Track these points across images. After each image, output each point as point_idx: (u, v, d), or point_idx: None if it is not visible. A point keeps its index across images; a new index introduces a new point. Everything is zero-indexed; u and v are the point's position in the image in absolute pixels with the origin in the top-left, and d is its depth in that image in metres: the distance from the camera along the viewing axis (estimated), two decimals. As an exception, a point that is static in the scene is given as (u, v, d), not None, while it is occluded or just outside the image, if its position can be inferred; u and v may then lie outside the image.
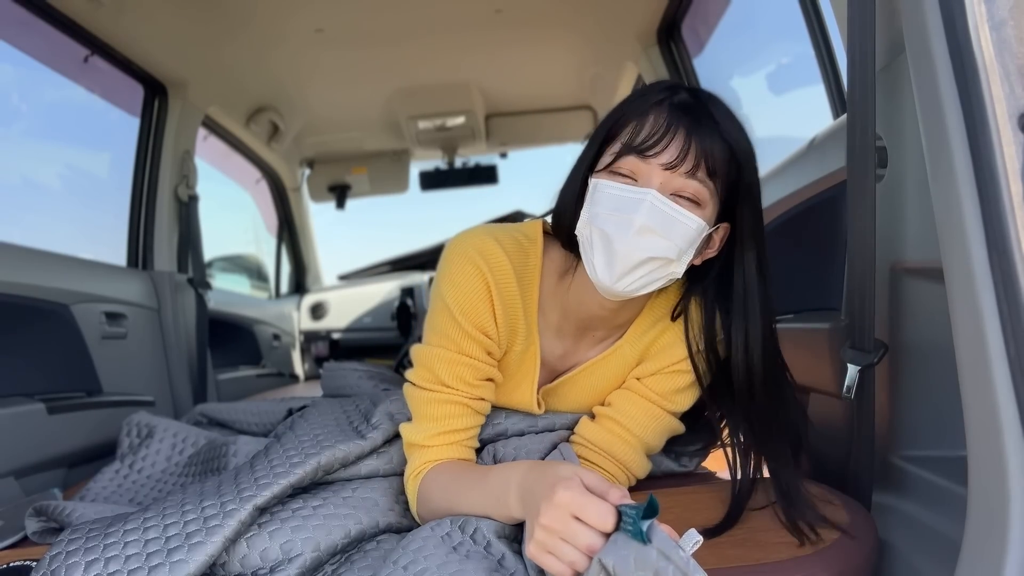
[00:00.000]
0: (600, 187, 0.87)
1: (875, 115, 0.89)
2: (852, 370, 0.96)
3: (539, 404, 1.06)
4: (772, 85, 2.48)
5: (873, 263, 0.92)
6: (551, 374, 1.08)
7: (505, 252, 0.98)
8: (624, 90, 2.97)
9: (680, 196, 0.85)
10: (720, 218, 0.91)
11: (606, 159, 0.89)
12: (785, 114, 2.39)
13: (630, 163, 0.86)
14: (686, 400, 1.03)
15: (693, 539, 0.63)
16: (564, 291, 1.00)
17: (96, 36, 1.95)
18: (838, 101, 1.55)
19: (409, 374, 1.01)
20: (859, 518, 0.92)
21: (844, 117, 0.94)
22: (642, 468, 1.04)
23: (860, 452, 1.00)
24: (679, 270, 0.88)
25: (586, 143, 0.95)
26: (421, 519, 0.93)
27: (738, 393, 0.95)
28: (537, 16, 2.43)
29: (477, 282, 0.96)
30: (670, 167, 0.84)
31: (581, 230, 0.90)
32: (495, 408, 1.06)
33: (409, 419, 1.00)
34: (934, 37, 0.69)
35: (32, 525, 1.06)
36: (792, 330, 1.40)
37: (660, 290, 0.99)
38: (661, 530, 0.63)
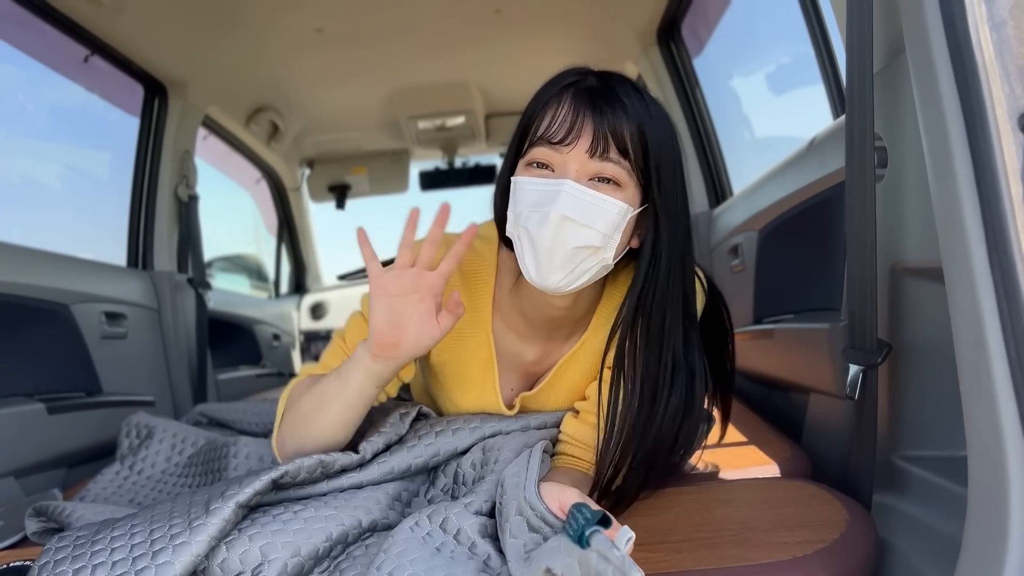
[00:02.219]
0: (519, 185, 0.88)
1: (873, 115, 0.89)
2: (854, 370, 0.96)
3: (513, 406, 1.07)
4: (772, 85, 2.48)
5: (874, 263, 0.92)
6: (530, 379, 1.08)
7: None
8: (624, 90, 2.97)
9: (600, 180, 0.86)
10: (646, 199, 0.90)
11: (525, 156, 0.89)
12: (785, 114, 2.39)
13: (544, 154, 0.87)
14: None
15: (627, 536, 0.65)
16: (519, 295, 1.01)
17: (96, 36, 1.95)
18: (838, 101, 1.55)
19: (291, 382, 1.04)
20: (859, 518, 0.92)
21: (844, 117, 0.94)
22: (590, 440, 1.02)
23: (860, 452, 1.00)
24: (608, 256, 0.87)
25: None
26: (283, 448, 0.95)
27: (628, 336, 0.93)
28: (537, 16, 2.43)
29: None
30: (582, 153, 0.85)
31: (511, 232, 0.90)
32: (469, 414, 1.07)
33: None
34: (934, 37, 0.69)
35: (32, 525, 1.06)
36: (792, 330, 1.40)
37: (616, 275, 1.00)
38: (601, 533, 0.64)
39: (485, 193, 3.91)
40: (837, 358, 1.15)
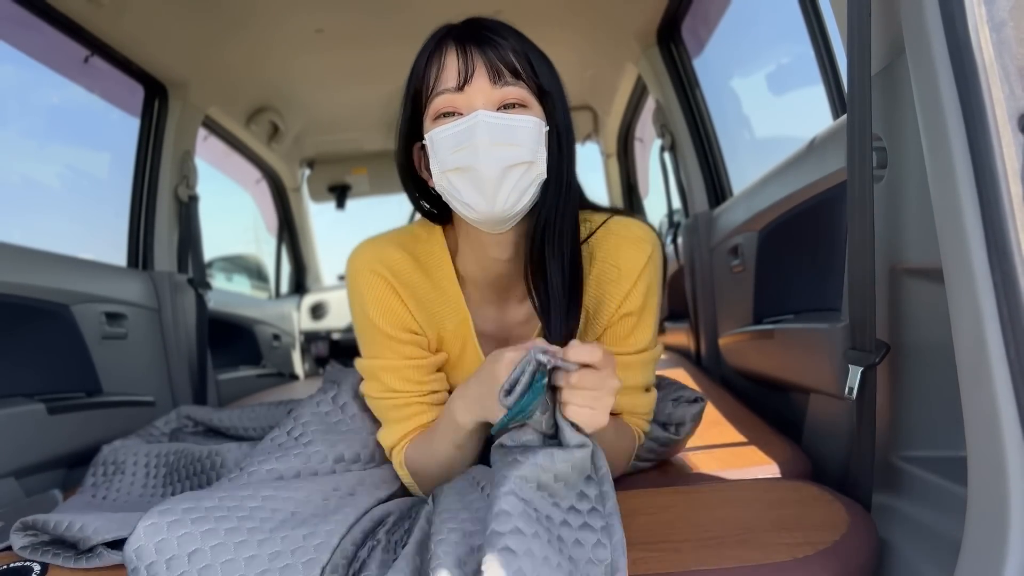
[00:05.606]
0: (435, 136, 0.90)
1: (871, 116, 0.89)
2: (854, 371, 0.96)
3: None
4: (772, 85, 2.48)
5: (872, 264, 0.92)
6: (518, 342, 1.07)
7: (400, 246, 1.02)
8: (624, 90, 2.97)
9: (507, 107, 0.89)
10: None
11: (429, 113, 0.92)
12: (785, 114, 2.39)
13: (447, 101, 0.90)
14: (643, 335, 1.04)
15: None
16: (470, 254, 1.03)
17: (96, 36, 1.95)
18: (838, 102, 1.55)
19: (363, 387, 1.07)
20: (859, 518, 0.92)
21: (844, 118, 0.94)
22: (644, 407, 1.07)
23: (860, 452, 1.00)
24: (542, 169, 0.90)
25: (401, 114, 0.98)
26: (425, 491, 1.01)
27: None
28: (536, 16, 2.43)
29: (381, 288, 1.00)
30: (483, 84, 0.88)
31: (439, 184, 0.92)
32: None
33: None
34: (934, 38, 0.69)
35: (19, 541, 0.99)
36: (792, 330, 1.40)
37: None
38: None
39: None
40: (837, 358, 1.15)
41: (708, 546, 0.86)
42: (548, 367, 0.77)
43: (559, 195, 0.94)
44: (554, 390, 0.81)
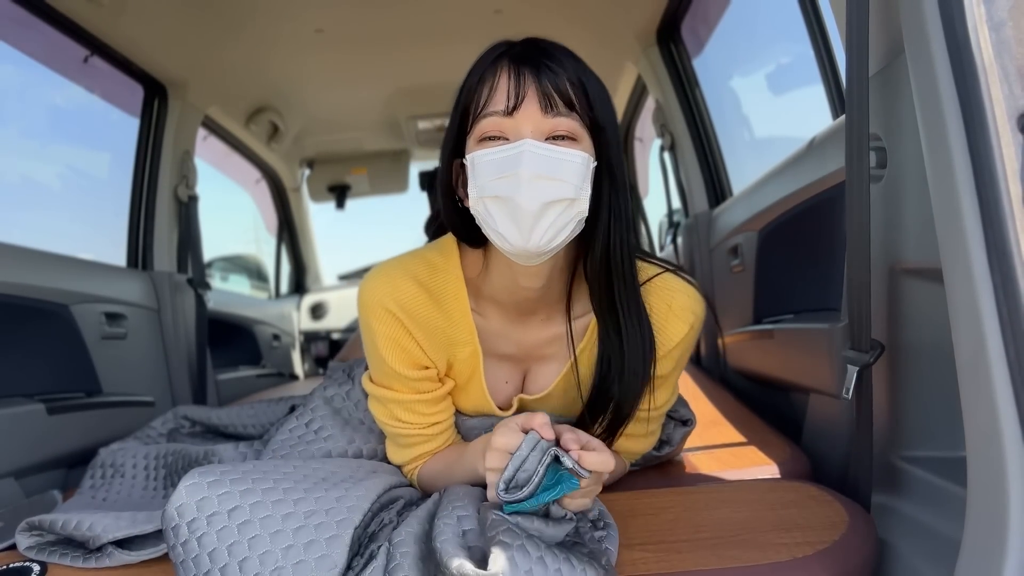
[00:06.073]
0: (477, 159, 0.85)
1: (869, 116, 0.89)
2: (851, 371, 0.96)
3: (510, 406, 1.08)
4: (772, 85, 2.48)
5: (868, 264, 0.92)
6: (522, 364, 1.07)
7: (413, 278, 0.98)
8: (624, 90, 2.97)
9: (555, 138, 0.85)
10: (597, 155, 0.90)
11: (474, 134, 0.88)
12: (785, 114, 2.39)
13: (495, 124, 0.85)
14: (663, 395, 1.04)
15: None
16: (490, 282, 1.00)
17: (96, 36, 1.95)
18: (838, 102, 1.55)
19: (372, 405, 1.07)
20: (859, 518, 0.92)
21: (843, 117, 0.94)
22: (643, 447, 1.10)
23: (859, 452, 1.00)
24: (584, 208, 0.86)
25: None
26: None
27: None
28: (536, 16, 2.43)
29: (393, 326, 0.98)
30: (533, 112, 0.84)
31: (475, 208, 0.87)
32: (473, 416, 1.10)
33: None
34: (933, 38, 0.69)
35: (24, 541, 1.00)
36: (792, 330, 1.40)
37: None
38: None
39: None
40: (837, 358, 1.15)
41: (707, 546, 0.86)
42: (564, 468, 0.78)
43: (618, 232, 0.92)
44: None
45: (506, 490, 0.77)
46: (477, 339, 1.02)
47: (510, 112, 0.85)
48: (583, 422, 0.99)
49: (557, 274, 0.98)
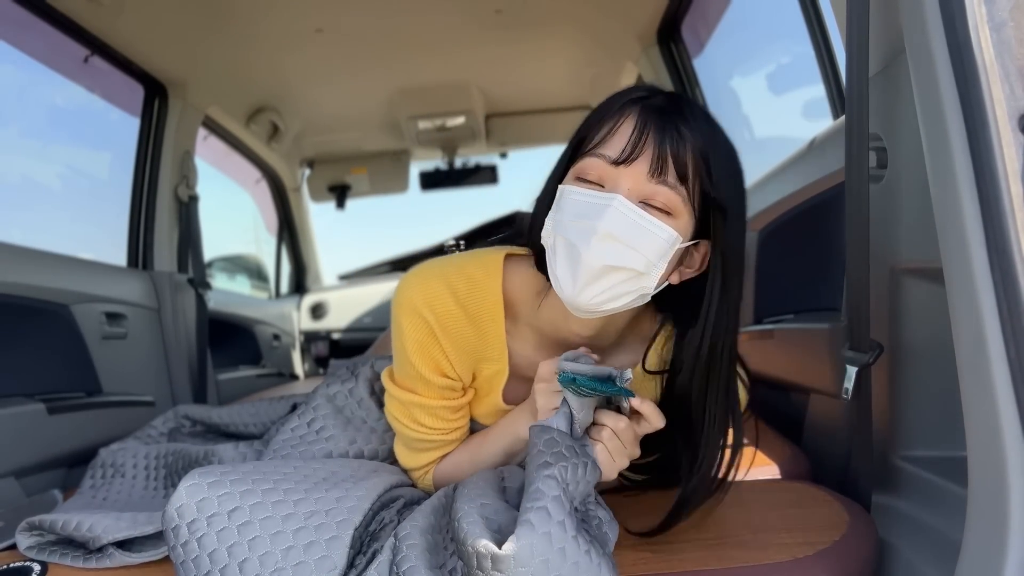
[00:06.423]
0: (566, 193, 0.83)
1: (869, 116, 0.89)
2: (851, 371, 0.96)
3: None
4: (772, 85, 2.48)
5: (868, 264, 0.92)
6: None
7: (453, 294, 0.95)
8: (624, 90, 2.97)
9: (650, 205, 0.80)
10: (700, 235, 0.85)
11: (576, 167, 0.84)
12: (785, 114, 2.39)
13: (597, 168, 0.82)
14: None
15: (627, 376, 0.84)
16: (539, 313, 0.97)
17: (96, 36, 1.95)
18: (838, 102, 1.55)
19: (390, 404, 1.04)
20: (859, 518, 0.92)
21: (844, 118, 0.94)
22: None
23: (859, 452, 1.00)
24: (650, 285, 0.82)
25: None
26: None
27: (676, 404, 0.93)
28: (537, 16, 2.43)
29: (423, 332, 0.96)
30: (639, 172, 0.80)
31: (546, 239, 0.85)
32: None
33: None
34: (934, 38, 0.69)
35: (25, 541, 1.00)
36: (792, 330, 1.40)
37: (640, 319, 0.99)
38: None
39: (485, 193, 3.92)
40: (837, 358, 1.15)
41: (708, 546, 0.86)
42: (619, 381, 0.82)
43: (729, 331, 0.89)
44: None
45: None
46: (507, 361, 1.00)
47: (616, 162, 0.81)
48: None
49: (612, 329, 0.96)
